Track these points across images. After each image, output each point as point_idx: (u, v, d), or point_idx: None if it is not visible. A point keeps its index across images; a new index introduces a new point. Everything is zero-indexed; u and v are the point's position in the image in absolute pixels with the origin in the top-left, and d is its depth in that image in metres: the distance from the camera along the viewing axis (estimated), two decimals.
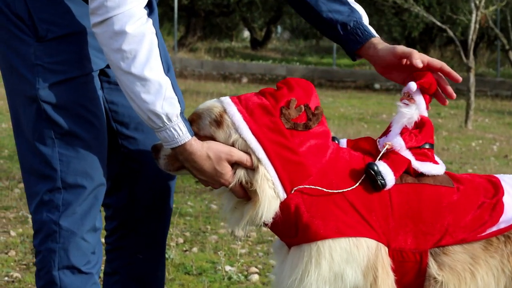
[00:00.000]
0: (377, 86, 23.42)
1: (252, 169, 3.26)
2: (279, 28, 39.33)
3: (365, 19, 3.58)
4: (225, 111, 3.30)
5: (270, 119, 3.28)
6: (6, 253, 5.88)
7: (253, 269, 5.86)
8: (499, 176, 3.45)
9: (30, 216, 6.50)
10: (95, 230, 3.27)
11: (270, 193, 3.26)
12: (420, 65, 3.43)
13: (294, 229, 3.31)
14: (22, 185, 8.08)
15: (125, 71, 3.05)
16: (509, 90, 22.84)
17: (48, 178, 3.20)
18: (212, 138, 3.27)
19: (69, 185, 3.20)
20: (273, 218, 3.30)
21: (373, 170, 3.29)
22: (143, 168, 3.54)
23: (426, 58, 3.46)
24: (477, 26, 15.35)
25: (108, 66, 3.35)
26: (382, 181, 3.28)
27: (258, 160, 3.25)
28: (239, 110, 3.31)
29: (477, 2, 15.20)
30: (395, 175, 3.31)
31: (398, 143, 3.40)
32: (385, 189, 3.30)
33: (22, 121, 3.25)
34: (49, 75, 3.17)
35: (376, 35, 3.57)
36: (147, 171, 3.52)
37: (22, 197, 7.46)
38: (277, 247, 3.52)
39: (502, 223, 3.29)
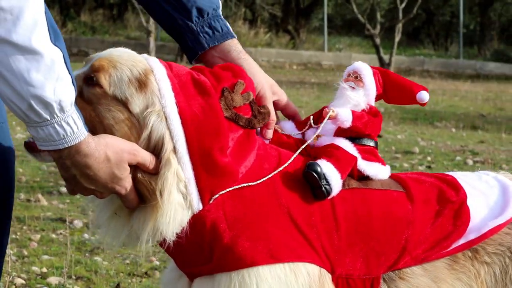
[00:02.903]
0: None
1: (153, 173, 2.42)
2: None
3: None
4: (152, 71, 2.44)
5: (206, 100, 2.44)
6: None
7: None
8: (453, 173, 2.78)
9: None
10: None
11: (178, 199, 2.42)
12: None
13: (208, 253, 2.49)
14: None
15: (1, 38, 2.11)
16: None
17: None
18: (123, 102, 2.39)
19: None
20: (177, 236, 2.47)
21: (316, 172, 2.49)
22: None
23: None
24: None
25: None
26: (328, 188, 2.50)
27: (174, 150, 2.41)
28: (169, 76, 2.44)
29: None
30: (341, 177, 2.52)
31: (345, 113, 2.63)
32: (330, 197, 2.50)
33: None
34: None
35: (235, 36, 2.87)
36: None
37: None
38: (171, 280, 2.63)
39: (471, 234, 2.64)
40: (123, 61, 2.42)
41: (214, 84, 2.48)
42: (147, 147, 2.40)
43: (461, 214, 2.65)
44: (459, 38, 28.29)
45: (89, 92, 2.40)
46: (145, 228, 2.43)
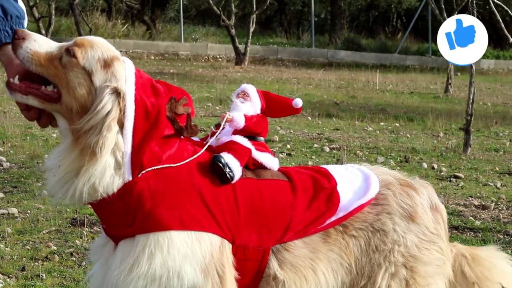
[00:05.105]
0: None
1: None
2: None
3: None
4: (120, 60, 3.13)
5: (156, 99, 3.12)
6: None
7: None
8: (325, 166, 3.50)
9: None
10: None
11: (109, 160, 3.07)
12: None
13: (132, 218, 3.15)
14: None
15: None
16: None
17: None
18: (89, 73, 3.06)
19: None
20: (109, 198, 3.09)
21: (221, 162, 3.20)
22: None
23: None
24: None
25: None
26: (231, 174, 3.22)
27: (120, 125, 3.07)
28: (135, 75, 3.14)
29: None
30: (241, 164, 3.25)
31: (239, 116, 3.37)
32: (233, 181, 3.26)
33: None
34: None
35: None
36: None
37: None
38: (99, 246, 3.30)
39: (340, 212, 3.35)
40: (100, 45, 3.11)
41: (166, 92, 3.17)
42: (96, 112, 3.02)
43: (332, 197, 3.36)
44: (311, 27, 29.31)
45: (67, 59, 3.05)
46: (81, 175, 3.04)
